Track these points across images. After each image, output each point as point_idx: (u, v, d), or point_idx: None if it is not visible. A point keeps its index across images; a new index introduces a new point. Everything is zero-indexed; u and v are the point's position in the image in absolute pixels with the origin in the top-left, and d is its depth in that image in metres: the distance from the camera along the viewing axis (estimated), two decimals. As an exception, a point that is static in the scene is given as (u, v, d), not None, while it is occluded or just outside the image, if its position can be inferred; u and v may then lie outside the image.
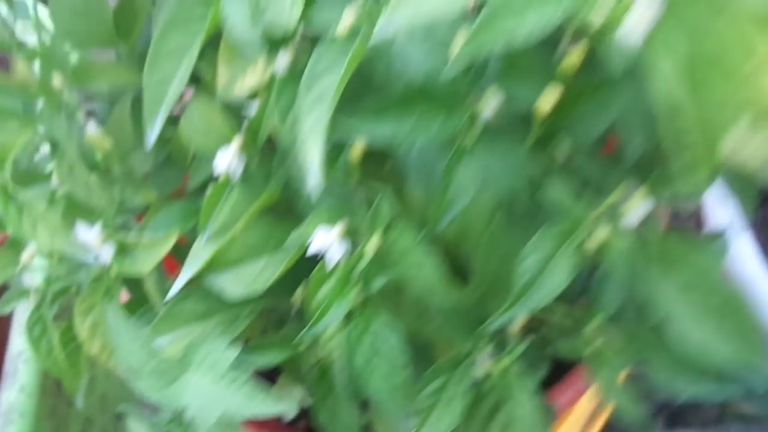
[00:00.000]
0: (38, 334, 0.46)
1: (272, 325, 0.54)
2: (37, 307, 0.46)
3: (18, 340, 0.66)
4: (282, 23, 0.36)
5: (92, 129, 0.52)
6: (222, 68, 0.45)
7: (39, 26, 0.46)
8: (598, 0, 0.23)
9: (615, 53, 0.24)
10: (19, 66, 0.45)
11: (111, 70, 0.49)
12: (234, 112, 0.46)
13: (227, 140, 0.44)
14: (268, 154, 0.45)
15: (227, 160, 0.44)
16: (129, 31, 0.53)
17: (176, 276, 0.45)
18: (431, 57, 0.32)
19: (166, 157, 0.56)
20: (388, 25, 0.27)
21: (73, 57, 0.55)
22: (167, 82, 0.39)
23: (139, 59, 0.54)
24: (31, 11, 0.51)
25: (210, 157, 0.45)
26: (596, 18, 0.24)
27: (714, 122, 0.24)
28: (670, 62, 0.23)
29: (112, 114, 0.52)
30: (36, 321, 0.46)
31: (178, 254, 0.47)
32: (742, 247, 0.73)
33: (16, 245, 0.48)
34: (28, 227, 0.43)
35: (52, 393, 0.67)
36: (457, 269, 0.42)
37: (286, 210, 0.45)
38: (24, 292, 0.47)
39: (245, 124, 0.46)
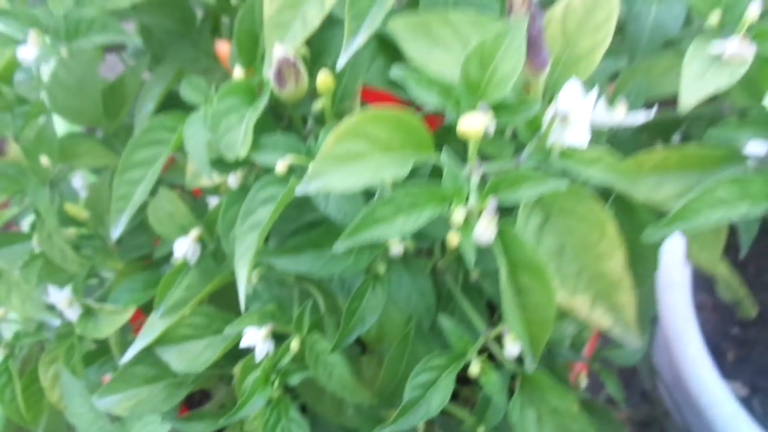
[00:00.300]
0: (3, 383, 0.52)
1: (215, 385, 0.60)
2: (5, 359, 0.52)
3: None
4: (233, 153, 0.42)
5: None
6: (190, 162, 0.51)
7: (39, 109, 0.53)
8: (453, 213, 0.29)
9: (469, 249, 0.30)
10: (13, 147, 0.52)
11: (94, 152, 0.55)
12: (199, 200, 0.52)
13: (186, 230, 0.51)
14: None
15: (185, 248, 0.50)
16: (116, 113, 0.60)
17: (139, 325, 0.51)
18: (346, 206, 0.38)
19: (139, 223, 0.62)
20: (307, 186, 0.33)
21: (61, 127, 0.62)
22: (134, 187, 0.45)
23: (123, 138, 0.61)
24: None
25: (172, 239, 0.51)
26: (456, 218, 0.30)
27: (535, 321, 0.30)
28: (503, 268, 0.30)
29: (92, 186, 0.59)
30: (2, 371, 0.52)
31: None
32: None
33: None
34: (2, 293, 0.49)
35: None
36: (380, 360, 0.48)
37: (231, 298, 0.51)
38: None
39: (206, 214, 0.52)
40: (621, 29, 0.45)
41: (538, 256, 0.30)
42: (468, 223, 0.30)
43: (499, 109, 0.33)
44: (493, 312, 0.60)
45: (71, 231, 0.59)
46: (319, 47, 0.46)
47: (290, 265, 0.40)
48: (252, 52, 0.47)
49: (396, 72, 0.34)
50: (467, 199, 0.30)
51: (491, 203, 0.29)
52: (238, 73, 0.45)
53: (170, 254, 0.55)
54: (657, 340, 0.96)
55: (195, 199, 0.59)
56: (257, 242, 0.39)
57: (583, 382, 0.54)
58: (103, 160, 0.56)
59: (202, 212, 0.54)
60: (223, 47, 0.49)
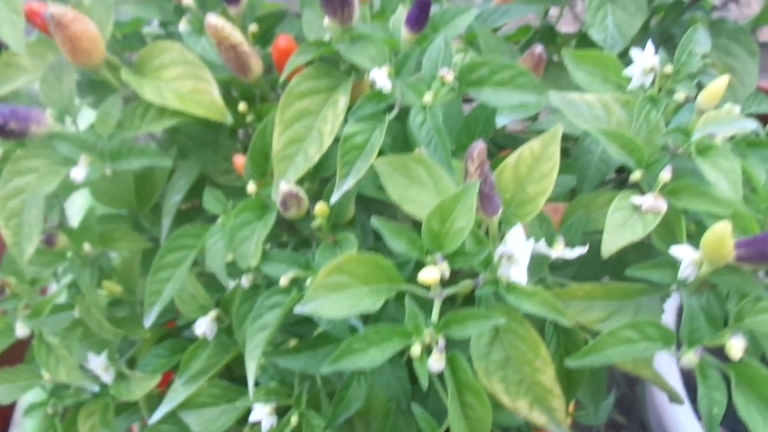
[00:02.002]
0: (50, 436, 0.61)
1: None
2: (52, 416, 0.62)
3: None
4: (245, 263, 0.51)
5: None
6: (206, 244, 0.60)
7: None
8: (412, 347, 0.38)
9: (423, 375, 0.39)
10: (61, 238, 0.61)
11: (128, 237, 0.65)
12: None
13: (206, 310, 0.60)
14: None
15: (204, 326, 0.59)
16: (147, 198, 0.69)
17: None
18: (334, 320, 0.47)
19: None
20: (303, 308, 0.42)
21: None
22: (165, 284, 0.54)
23: (152, 220, 0.70)
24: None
25: (194, 315, 0.60)
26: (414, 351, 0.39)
27: (476, 429, 0.38)
28: (450, 387, 0.38)
29: (124, 260, 0.68)
30: (49, 427, 0.61)
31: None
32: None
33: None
34: (52, 364, 0.58)
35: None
36: (368, 426, 0.57)
37: (242, 365, 0.60)
38: (42, 404, 0.62)
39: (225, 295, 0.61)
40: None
41: (478, 381, 0.38)
42: (423, 355, 0.38)
43: (456, 255, 0.42)
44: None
45: (104, 293, 0.68)
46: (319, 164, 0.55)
47: (290, 363, 0.48)
48: (263, 168, 0.56)
49: (373, 222, 0.43)
50: (424, 334, 0.39)
51: (441, 342, 0.38)
52: (251, 188, 0.55)
53: (191, 323, 0.64)
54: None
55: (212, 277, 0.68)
56: (264, 343, 0.48)
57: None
58: (135, 244, 0.65)
59: (218, 287, 0.63)
60: (239, 160, 0.58)
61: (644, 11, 0.59)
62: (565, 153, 0.60)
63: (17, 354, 0.68)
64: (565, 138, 0.52)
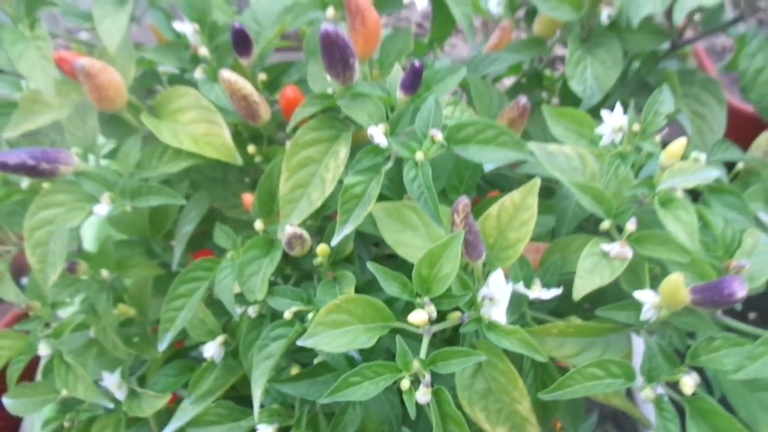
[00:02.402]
0: (67, 448, 0.66)
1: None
2: (68, 430, 0.66)
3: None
4: (252, 296, 0.56)
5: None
6: (216, 278, 0.65)
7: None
8: (402, 381, 0.43)
9: (411, 406, 0.44)
10: (81, 265, 0.66)
11: (142, 265, 0.70)
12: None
13: (214, 335, 0.65)
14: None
15: (212, 350, 0.64)
16: (160, 227, 0.75)
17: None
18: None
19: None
20: (304, 342, 0.47)
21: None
22: (178, 312, 0.59)
23: (164, 248, 0.75)
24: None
25: (203, 339, 0.65)
26: (404, 385, 0.44)
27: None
28: (435, 418, 0.43)
29: (135, 284, 0.73)
30: (66, 441, 0.66)
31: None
32: None
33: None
34: (70, 382, 0.63)
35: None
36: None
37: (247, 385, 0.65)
38: (59, 417, 0.67)
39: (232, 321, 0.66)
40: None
41: (460, 412, 0.43)
42: (411, 389, 0.43)
43: (443, 297, 0.47)
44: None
45: (116, 312, 0.73)
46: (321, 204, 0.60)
47: (291, 390, 0.54)
48: (270, 207, 0.61)
49: (369, 266, 0.48)
50: (413, 370, 0.44)
51: (427, 377, 0.43)
52: (259, 225, 0.60)
53: (198, 344, 0.69)
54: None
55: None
56: (269, 371, 0.53)
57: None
58: (149, 271, 0.70)
59: (225, 311, 0.68)
60: (248, 198, 0.63)
61: (620, 64, 0.65)
62: (548, 192, 0.66)
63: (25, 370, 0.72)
64: (548, 179, 0.58)
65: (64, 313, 0.75)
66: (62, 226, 0.60)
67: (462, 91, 0.76)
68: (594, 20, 0.66)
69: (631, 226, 0.49)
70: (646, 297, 0.47)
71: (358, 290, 0.56)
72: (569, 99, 0.72)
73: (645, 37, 0.65)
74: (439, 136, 0.49)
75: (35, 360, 0.71)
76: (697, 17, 0.72)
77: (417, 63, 0.49)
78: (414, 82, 0.50)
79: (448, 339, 0.63)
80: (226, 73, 0.57)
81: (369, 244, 0.68)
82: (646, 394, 0.45)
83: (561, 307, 0.61)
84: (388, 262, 0.51)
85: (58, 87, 0.66)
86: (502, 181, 0.72)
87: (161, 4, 0.71)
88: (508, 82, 1.15)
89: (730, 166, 0.68)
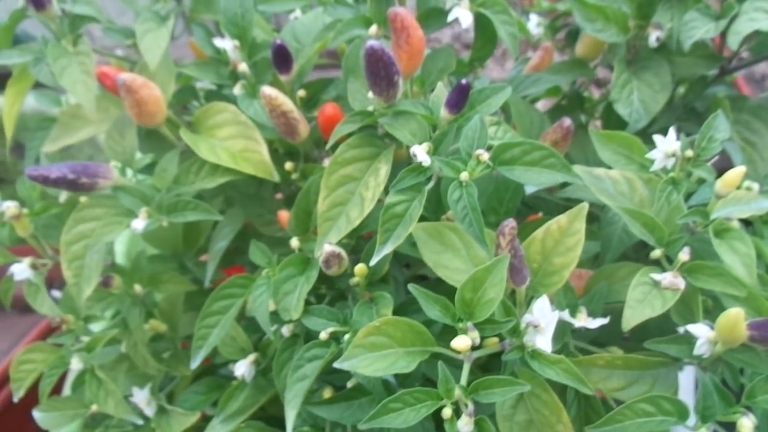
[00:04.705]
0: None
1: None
2: (98, 447, 0.66)
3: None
4: (288, 315, 0.55)
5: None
6: (251, 295, 0.64)
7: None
8: (443, 410, 0.41)
9: None
10: (116, 280, 0.66)
11: (174, 280, 0.69)
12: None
13: (245, 353, 0.64)
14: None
15: (243, 369, 0.63)
16: (194, 243, 0.74)
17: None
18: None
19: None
20: (341, 364, 0.46)
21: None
22: (211, 330, 0.58)
23: (197, 263, 0.75)
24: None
25: (234, 357, 0.64)
26: (446, 414, 0.42)
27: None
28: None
29: (165, 299, 0.73)
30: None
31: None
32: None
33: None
34: (101, 397, 0.63)
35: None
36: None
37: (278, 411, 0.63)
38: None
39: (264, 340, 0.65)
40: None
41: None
42: (453, 418, 0.42)
43: (486, 323, 0.45)
44: None
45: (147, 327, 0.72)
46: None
47: (325, 413, 0.52)
48: (306, 225, 0.60)
49: (411, 289, 0.47)
50: (455, 398, 0.42)
51: (470, 407, 0.41)
52: (295, 243, 0.59)
53: (228, 362, 0.68)
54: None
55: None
56: (304, 392, 0.52)
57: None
58: (181, 286, 0.69)
59: (257, 329, 0.67)
60: (284, 215, 0.63)
61: (669, 88, 0.63)
62: (590, 217, 0.64)
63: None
64: (593, 204, 0.56)
65: (94, 327, 0.74)
66: (99, 241, 0.59)
67: (501, 112, 0.74)
68: (641, 42, 0.64)
69: (684, 255, 0.47)
70: (700, 331, 0.45)
71: (393, 312, 0.54)
72: (612, 122, 0.70)
73: (695, 62, 0.63)
74: (485, 156, 0.47)
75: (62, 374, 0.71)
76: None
77: (464, 81, 0.48)
78: (460, 100, 0.49)
79: (483, 366, 0.61)
80: (268, 89, 0.56)
81: (401, 265, 0.66)
82: (702, 433, 0.43)
83: (601, 337, 0.59)
84: (422, 285, 0.50)
85: (97, 102, 0.66)
86: (541, 205, 0.70)
87: (202, 21, 0.72)
88: (541, 104, 1.14)
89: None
